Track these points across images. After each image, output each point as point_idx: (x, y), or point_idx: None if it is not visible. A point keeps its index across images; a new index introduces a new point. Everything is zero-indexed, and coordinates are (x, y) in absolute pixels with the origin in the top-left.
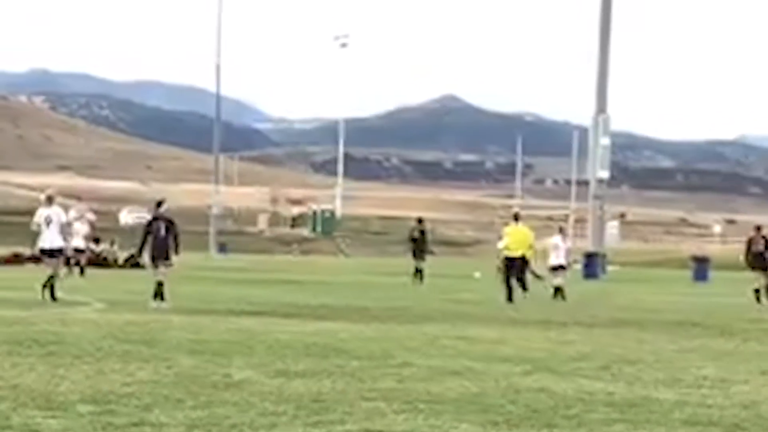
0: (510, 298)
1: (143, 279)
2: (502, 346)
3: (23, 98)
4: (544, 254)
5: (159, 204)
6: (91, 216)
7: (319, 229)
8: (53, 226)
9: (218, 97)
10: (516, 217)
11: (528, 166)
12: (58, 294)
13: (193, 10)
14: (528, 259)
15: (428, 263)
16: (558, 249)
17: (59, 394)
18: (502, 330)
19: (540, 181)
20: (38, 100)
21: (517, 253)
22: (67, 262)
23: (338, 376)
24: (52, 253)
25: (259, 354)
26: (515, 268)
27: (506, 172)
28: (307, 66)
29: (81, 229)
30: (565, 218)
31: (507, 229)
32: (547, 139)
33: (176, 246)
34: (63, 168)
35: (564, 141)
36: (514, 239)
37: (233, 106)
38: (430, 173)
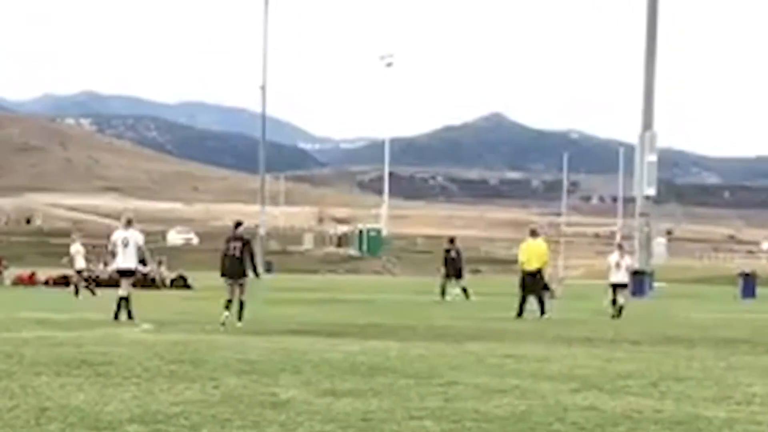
0: (520, 314)
1: (190, 299)
2: (549, 363)
3: (71, 120)
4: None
5: (237, 225)
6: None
7: (365, 248)
8: (130, 248)
9: (264, 118)
10: (533, 233)
11: (574, 184)
12: (122, 315)
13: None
14: (543, 273)
15: (471, 281)
16: (619, 266)
17: (108, 414)
18: (549, 348)
19: (586, 199)
20: (86, 122)
21: (532, 267)
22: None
23: (385, 395)
24: (127, 274)
25: (306, 373)
26: (531, 282)
27: (552, 189)
28: (352, 86)
29: (81, 250)
30: (612, 235)
31: (523, 245)
32: (593, 156)
33: (253, 266)
34: (110, 189)
35: (610, 158)
36: (530, 254)
37: (279, 126)
38: (476, 191)
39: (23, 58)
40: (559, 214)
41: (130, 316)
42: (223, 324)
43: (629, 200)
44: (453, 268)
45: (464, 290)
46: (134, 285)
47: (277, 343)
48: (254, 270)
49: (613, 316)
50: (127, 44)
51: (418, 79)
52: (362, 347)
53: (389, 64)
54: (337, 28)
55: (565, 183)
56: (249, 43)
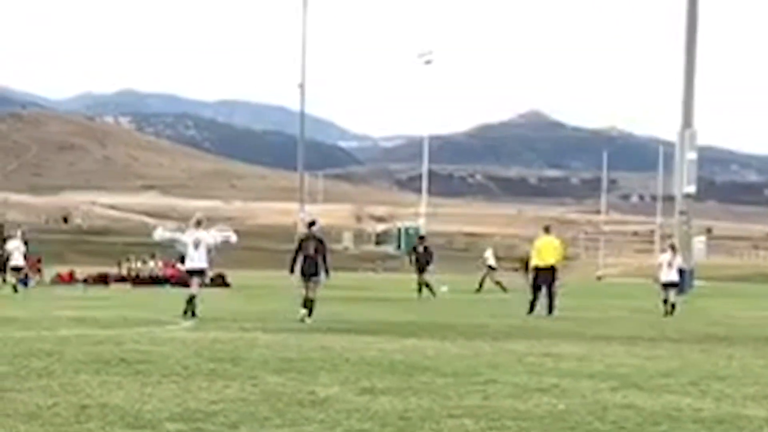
0: (531, 311)
1: (229, 297)
2: (589, 362)
3: (110, 119)
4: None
5: (311, 224)
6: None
7: (403, 246)
8: (201, 248)
9: (302, 116)
10: (546, 230)
11: (613, 182)
12: (196, 313)
13: (278, 29)
14: (556, 269)
15: (511, 279)
16: (671, 266)
17: (147, 412)
18: (589, 346)
19: (626, 197)
20: (124, 121)
21: (546, 263)
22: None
23: (424, 393)
24: (197, 273)
25: (344, 371)
26: (544, 278)
27: (591, 187)
28: (391, 83)
29: (21, 247)
30: (651, 234)
31: (537, 242)
32: (633, 154)
33: (325, 265)
34: (148, 188)
35: (649, 156)
36: (544, 250)
37: (318, 124)
38: (515, 189)
39: (63, 57)
40: (598, 212)
41: (194, 314)
42: (302, 320)
43: (669, 198)
44: (419, 263)
45: (427, 286)
46: (173, 284)
47: (315, 341)
48: (326, 269)
49: (665, 314)
50: (166, 42)
51: (457, 77)
52: (400, 345)
53: (428, 62)
54: (376, 26)
55: (605, 181)
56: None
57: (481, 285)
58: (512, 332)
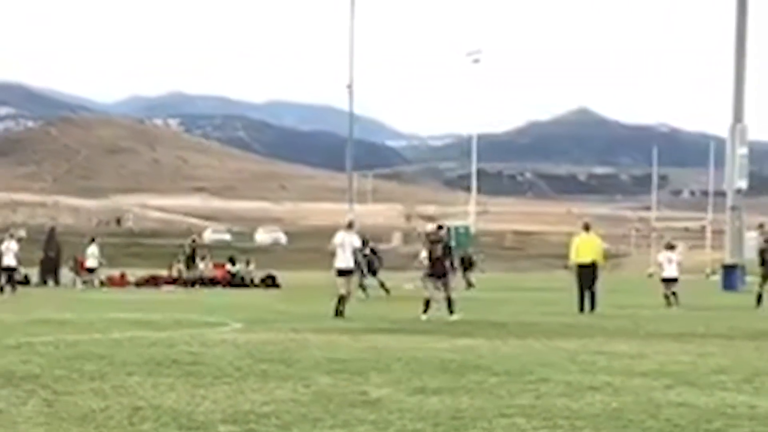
0: (581, 309)
1: (279, 298)
2: (641, 360)
3: (159, 121)
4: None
5: (439, 228)
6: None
7: (454, 245)
8: (348, 248)
9: (351, 116)
10: (586, 228)
11: (663, 178)
12: (346, 311)
13: (325, 29)
14: (597, 267)
15: (558, 277)
16: (671, 263)
17: (200, 414)
18: (641, 344)
19: (676, 193)
20: (173, 123)
21: (587, 260)
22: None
23: (476, 392)
24: (346, 273)
25: (396, 371)
26: (586, 275)
27: (641, 184)
28: (439, 82)
29: (13, 247)
30: (703, 230)
31: (576, 240)
32: (683, 150)
33: (452, 264)
34: (198, 190)
35: (700, 151)
36: (584, 248)
37: (366, 124)
38: (564, 187)
39: (111, 60)
40: (648, 209)
41: (341, 314)
42: (427, 320)
43: (720, 194)
44: (369, 264)
45: (374, 286)
46: (223, 285)
47: (366, 342)
48: (453, 268)
49: (668, 305)
50: (214, 44)
51: (505, 75)
52: (452, 345)
53: (476, 60)
54: (424, 25)
55: (655, 177)
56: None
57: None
58: (564, 330)
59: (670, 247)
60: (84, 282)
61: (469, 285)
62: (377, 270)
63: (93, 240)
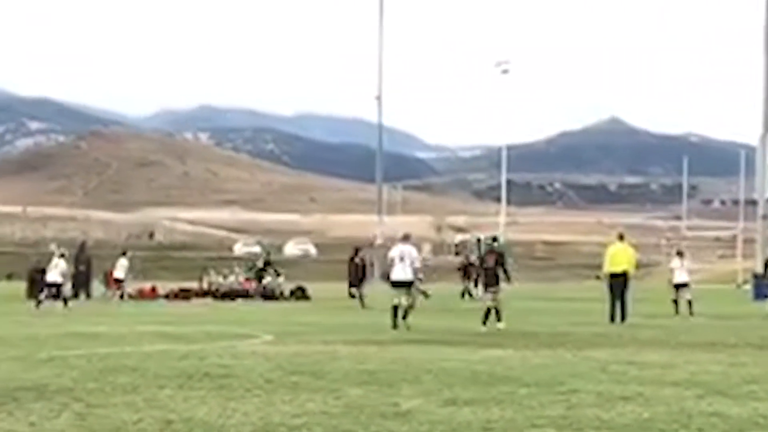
0: (612, 319)
1: (309, 310)
2: (672, 370)
3: (189, 135)
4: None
5: (494, 239)
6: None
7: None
8: (406, 260)
9: (380, 128)
10: (620, 237)
11: (694, 187)
12: (408, 322)
13: (354, 41)
14: (629, 277)
15: (592, 287)
16: (680, 269)
17: (231, 426)
18: (672, 354)
19: (707, 202)
20: (203, 136)
21: (619, 269)
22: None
23: (507, 403)
24: (403, 284)
25: (426, 383)
26: (618, 285)
27: (672, 193)
28: (468, 93)
29: (61, 265)
30: (734, 239)
31: (610, 249)
32: (714, 159)
33: (506, 274)
34: (228, 203)
35: (730, 161)
36: (617, 257)
37: (395, 135)
38: (594, 197)
39: (140, 75)
40: (679, 218)
41: (395, 325)
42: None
43: (751, 203)
44: (356, 275)
45: (360, 297)
46: (253, 297)
47: (396, 353)
48: (507, 277)
49: (675, 313)
50: (243, 57)
51: (535, 85)
52: (482, 356)
53: (505, 71)
54: (453, 36)
55: (685, 186)
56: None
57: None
58: (594, 340)
59: (680, 254)
60: (112, 295)
61: (470, 295)
62: (363, 281)
63: (124, 253)
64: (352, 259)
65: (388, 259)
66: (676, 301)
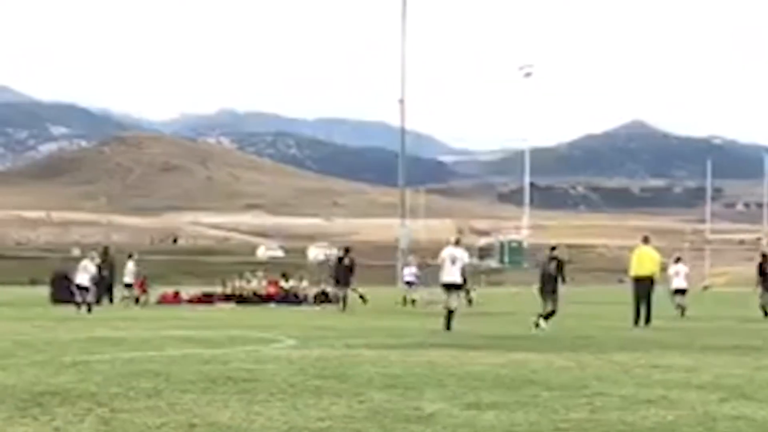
0: (636, 322)
1: (333, 315)
2: (697, 373)
3: (211, 140)
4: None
5: (553, 248)
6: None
7: (506, 259)
8: (457, 263)
9: (403, 132)
10: (645, 240)
11: (717, 190)
12: (453, 325)
13: (376, 45)
14: (655, 281)
15: (615, 291)
16: (678, 274)
17: (254, 430)
18: (697, 357)
19: (731, 205)
20: (226, 141)
21: (643, 273)
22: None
23: (531, 407)
24: (453, 287)
25: (450, 386)
26: (643, 288)
27: (695, 196)
28: (491, 97)
29: (90, 269)
30: (758, 241)
31: (636, 252)
32: (737, 162)
33: (563, 279)
34: (251, 207)
35: (754, 163)
36: (642, 260)
37: (418, 139)
38: (618, 200)
39: (163, 80)
40: (702, 221)
41: (449, 327)
42: (540, 329)
43: None
44: (344, 275)
45: (343, 299)
46: (277, 302)
47: (419, 357)
48: (564, 281)
49: (682, 315)
50: (264, 62)
51: (558, 89)
52: (506, 359)
53: (528, 74)
54: (476, 39)
55: (709, 190)
56: (386, 56)
57: None
58: (619, 344)
59: (678, 260)
60: (122, 299)
61: (470, 302)
62: (349, 282)
63: (130, 256)
64: (340, 259)
65: (439, 260)
66: (679, 305)
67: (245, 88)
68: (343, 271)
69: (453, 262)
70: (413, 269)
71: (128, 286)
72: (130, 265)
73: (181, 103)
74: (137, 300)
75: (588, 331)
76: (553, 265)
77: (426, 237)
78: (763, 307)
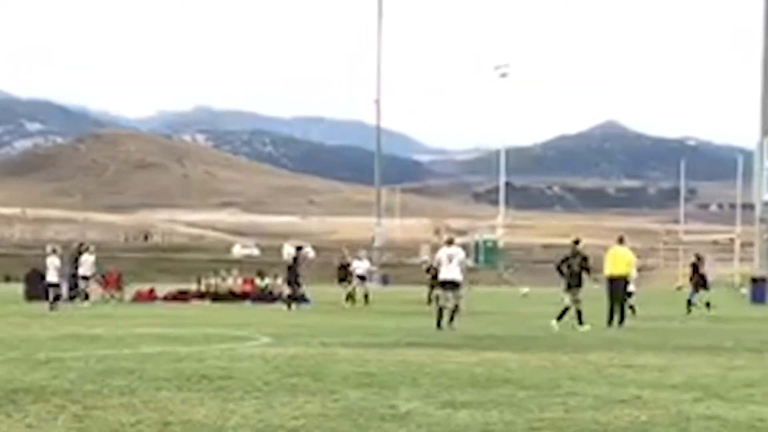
0: (610, 322)
1: (307, 313)
2: (670, 373)
3: (187, 137)
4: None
5: (576, 242)
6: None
7: (481, 259)
8: (455, 262)
9: (379, 131)
10: (620, 240)
11: (691, 191)
12: (455, 325)
13: (352, 45)
14: (629, 281)
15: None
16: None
17: (229, 428)
18: (670, 357)
19: (704, 206)
20: (201, 138)
21: (617, 273)
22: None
23: (505, 406)
24: (450, 285)
25: (425, 385)
26: (616, 288)
27: (669, 197)
28: (467, 97)
29: (55, 263)
30: (731, 243)
31: (610, 252)
32: (711, 163)
33: (587, 272)
34: (227, 205)
35: (728, 164)
36: (615, 260)
37: (394, 138)
38: (593, 200)
39: (139, 77)
40: (676, 222)
41: (439, 325)
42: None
43: (748, 207)
44: (294, 275)
45: (289, 297)
46: (251, 299)
47: (395, 356)
48: (588, 273)
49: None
50: (240, 59)
51: (533, 89)
52: (480, 358)
53: (504, 75)
54: (451, 40)
55: (683, 190)
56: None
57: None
58: (593, 344)
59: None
60: (71, 298)
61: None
62: (298, 282)
63: (87, 249)
64: (295, 259)
65: (436, 260)
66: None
67: (222, 85)
68: (295, 271)
69: (450, 260)
70: (365, 263)
71: (85, 278)
72: (88, 258)
73: (158, 101)
74: (113, 296)
75: (562, 330)
76: (577, 260)
77: (401, 236)
78: (689, 303)
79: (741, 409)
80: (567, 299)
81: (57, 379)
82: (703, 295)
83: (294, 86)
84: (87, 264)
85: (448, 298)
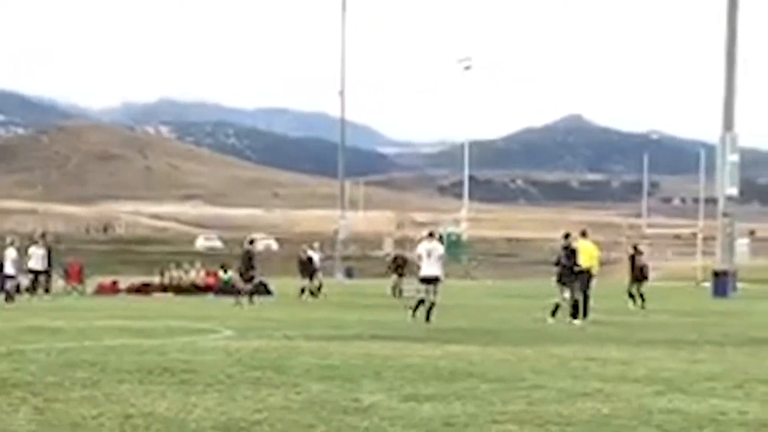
0: (575, 315)
1: (270, 306)
2: (633, 366)
3: (150, 129)
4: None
5: (566, 236)
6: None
7: (446, 252)
8: (434, 257)
9: (343, 123)
10: (583, 234)
11: (654, 185)
12: (432, 318)
13: (316, 36)
14: (593, 274)
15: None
16: None
17: (191, 421)
18: (633, 351)
19: (667, 200)
20: (165, 130)
21: (582, 266)
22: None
23: (468, 399)
24: (430, 281)
25: (388, 378)
26: (581, 281)
27: (632, 191)
28: (431, 90)
29: (11, 255)
30: (693, 236)
31: (575, 245)
32: (674, 157)
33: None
34: (190, 197)
35: (691, 159)
36: (580, 253)
37: (358, 131)
38: (557, 194)
39: (102, 68)
40: (639, 216)
41: (414, 315)
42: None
43: (711, 201)
44: (246, 267)
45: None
46: (215, 292)
47: (358, 349)
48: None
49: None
50: (204, 51)
51: (497, 82)
52: (444, 352)
53: (467, 68)
54: (415, 32)
55: (646, 184)
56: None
57: None
58: (556, 337)
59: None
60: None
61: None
62: (252, 276)
63: (36, 242)
64: (248, 252)
65: (415, 255)
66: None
67: (185, 77)
68: (247, 262)
69: (429, 255)
70: (317, 255)
71: (33, 272)
72: (36, 250)
73: (121, 92)
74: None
75: (526, 324)
76: (566, 253)
77: (365, 229)
78: (629, 293)
79: (703, 402)
80: (566, 294)
81: (18, 372)
82: (640, 286)
83: (258, 77)
84: (36, 256)
85: (428, 292)
